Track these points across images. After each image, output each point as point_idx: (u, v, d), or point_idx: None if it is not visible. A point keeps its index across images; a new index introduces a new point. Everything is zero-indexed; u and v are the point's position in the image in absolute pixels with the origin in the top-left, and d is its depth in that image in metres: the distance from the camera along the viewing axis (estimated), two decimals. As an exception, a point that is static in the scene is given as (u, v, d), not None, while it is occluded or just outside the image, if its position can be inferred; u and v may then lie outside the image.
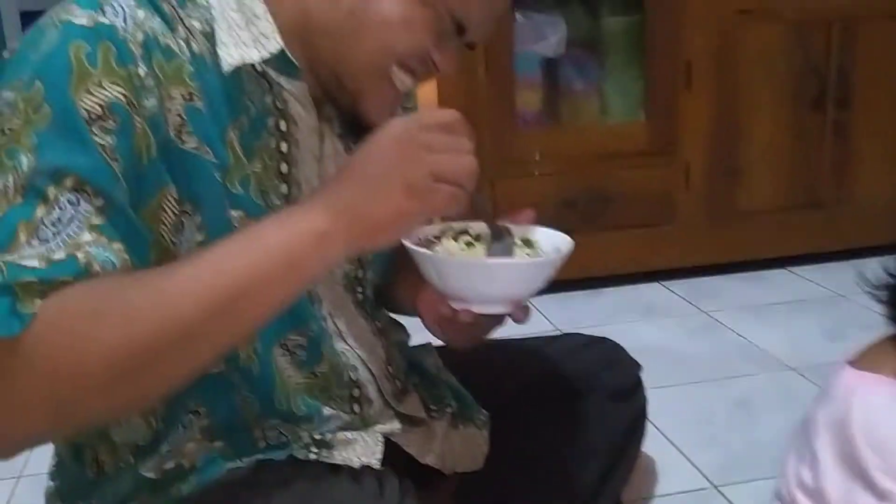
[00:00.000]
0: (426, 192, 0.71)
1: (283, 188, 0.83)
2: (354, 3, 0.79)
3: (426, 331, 0.92)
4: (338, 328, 0.91)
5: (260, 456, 0.85)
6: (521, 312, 0.81)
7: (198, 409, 0.83)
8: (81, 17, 0.71)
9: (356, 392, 0.91)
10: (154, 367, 0.66)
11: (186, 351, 0.68)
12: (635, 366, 1.17)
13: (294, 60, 0.80)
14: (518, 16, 2.25)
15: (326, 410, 0.89)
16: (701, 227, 2.40)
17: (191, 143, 0.75)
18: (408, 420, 0.97)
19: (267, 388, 0.84)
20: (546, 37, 2.31)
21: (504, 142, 2.26)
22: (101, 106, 0.69)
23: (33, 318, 0.62)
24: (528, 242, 0.86)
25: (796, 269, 2.45)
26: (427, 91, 2.64)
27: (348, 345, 0.92)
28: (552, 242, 0.86)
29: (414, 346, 1.11)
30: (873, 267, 2.26)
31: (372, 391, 0.93)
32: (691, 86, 2.31)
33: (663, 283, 2.39)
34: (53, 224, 0.66)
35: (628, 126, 2.37)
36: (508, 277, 0.77)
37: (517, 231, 0.86)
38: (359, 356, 0.92)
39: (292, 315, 0.82)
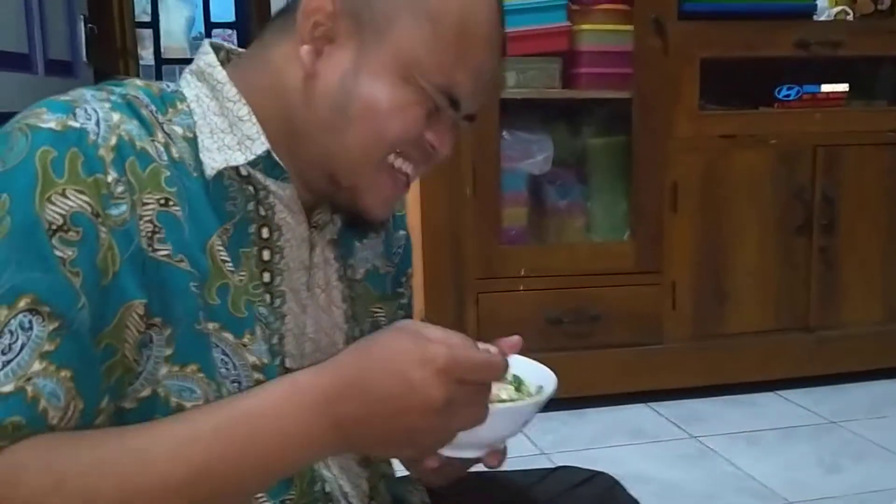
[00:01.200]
0: (428, 447, 0.67)
1: (267, 298, 0.78)
2: (336, 96, 0.76)
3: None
4: None
5: None
6: (494, 458, 0.74)
7: None
8: (50, 122, 0.67)
9: None
10: None
11: None
12: (633, 503, 1.10)
13: (281, 163, 0.77)
14: (505, 134, 2.26)
15: None
16: (688, 349, 2.37)
17: (163, 252, 0.70)
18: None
19: None
20: (533, 155, 2.32)
21: (490, 257, 2.23)
22: (62, 216, 0.65)
23: None
24: (517, 380, 0.79)
25: (786, 394, 2.41)
26: (412, 206, 2.64)
27: (332, 473, 0.85)
28: (537, 379, 0.79)
29: (400, 479, 1.04)
30: (862, 392, 2.23)
31: None
32: (677, 207, 2.31)
33: (651, 404, 2.34)
34: (3, 352, 0.62)
35: (614, 245, 2.37)
36: (487, 422, 0.69)
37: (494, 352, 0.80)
38: (339, 486, 0.86)
39: None
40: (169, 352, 0.70)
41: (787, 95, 2.37)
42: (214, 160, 0.74)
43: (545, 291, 2.29)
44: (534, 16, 2.26)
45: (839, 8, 2.47)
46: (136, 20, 5.13)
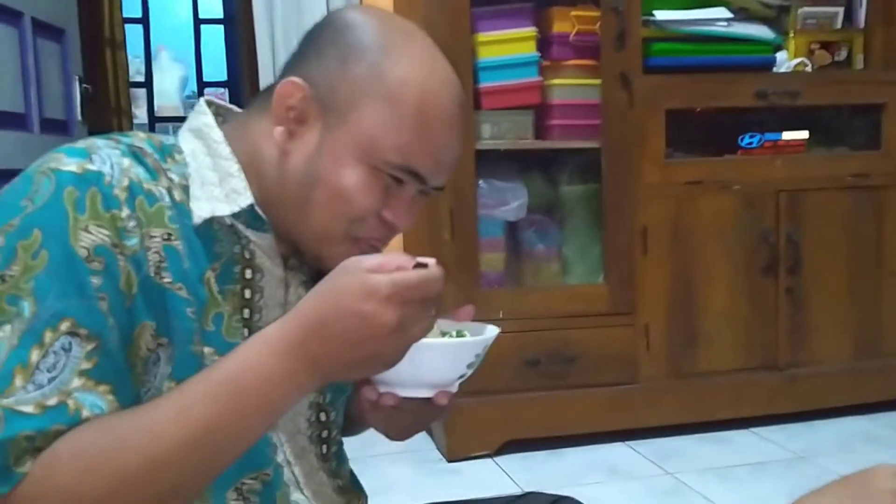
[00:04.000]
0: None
1: (246, 332, 0.86)
2: (302, 176, 0.83)
3: (387, 494, 0.92)
4: (296, 477, 0.90)
5: None
6: (443, 397, 0.81)
7: None
8: (70, 165, 0.77)
9: None
10: None
11: (175, 492, 0.71)
12: (599, 527, 1.16)
13: (262, 216, 0.85)
14: (481, 183, 2.36)
15: None
16: (663, 388, 2.44)
17: (167, 280, 0.79)
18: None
19: None
20: (508, 202, 2.41)
21: (468, 301, 2.29)
22: (87, 249, 0.74)
23: (23, 477, 0.66)
24: (459, 333, 0.86)
25: (758, 430, 2.47)
26: (393, 251, 2.73)
27: (305, 496, 0.91)
28: (480, 331, 0.86)
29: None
30: (832, 429, 2.29)
31: None
32: (647, 251, 2.40)
33: (627, 442, 2.40)
34: (48, 370, 0.70)
35: (588, 288, 2.45)
36: (426, 359, 0.77)
37: (453, 325, 0.87)
38: None
39: (250, 458, 0.82)
40: (170, 369, 0.79)
41: (750, 143, 2.49)
42: (202, 209, 0.82)
43: (523, 333, 2.36)
44: (508, 72, 2.37)
45: (798, 60, 2.60)
46: (131, 80, 5.25)
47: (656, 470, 2.23)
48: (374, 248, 0.87)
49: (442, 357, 0.79)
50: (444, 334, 0.85)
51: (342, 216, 0.83)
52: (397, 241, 2.73)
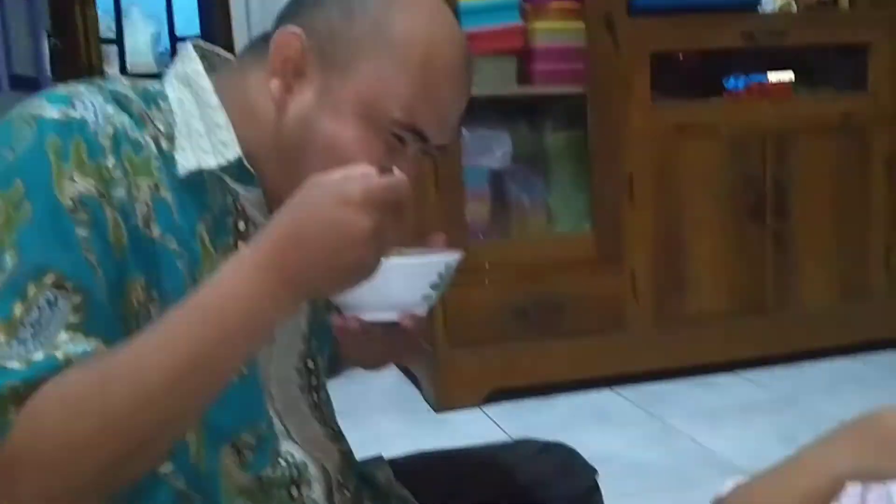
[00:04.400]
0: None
1: None
2: (300, 130, 0.80)
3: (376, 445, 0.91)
4: (286, 428, 0.89)
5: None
6: (409, 320, 0.80)
7: None
8: (53, 112, 0.73)
9: (297, 492, 0.88)
10: (139, 447, 0.68)
11: (164, 425, 0.69)
12: (591, 471, 1.15)
13: (251, 170, 0.82)
14: (465, 131, 2.32)
15: None
16: (650, 334, 2.44)
17: (156, 232, 0.76)
18: (357, 533, 0.94)
19: (213, 488, 0.82)
20: (492, 151, 2.38)
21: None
22: (73, 199, 0.70)
23: (12, 425, 0.64)
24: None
25: (745, 374, 2.49)
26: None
27: (297, 444, 0.90)
28: (444, 255, 0.84)
29: (365, 460, 1.09)
30: (820, 370, 2.31)
31: (318, 492, 0.90)
32: (634, 197, 2.38)
33: (615, 389, 2.40)
34: (32, 325, 0.67)
35: (575, 237, 2.43)
36: (386, 279, 0.75)
37: (422, 251, 0.84)
38: (309, 455, 0.90)
39: (244, 411, 0.81)
40: None
41: (736, 86, 2.46)
42: (188, 160, 0.79)
43: (510, 284, 2.35)
44: (488, 15, 2.32)
45: (784, 0, 2.56)
46: (102, 37, 5.14)
47: (644, 415, 2.24)
48: None
49: (401, 276, 0.78)
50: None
51: None
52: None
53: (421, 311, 0.81)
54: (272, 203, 0.85)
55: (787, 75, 2.50)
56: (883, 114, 2.56)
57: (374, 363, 0.97)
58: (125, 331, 0.74)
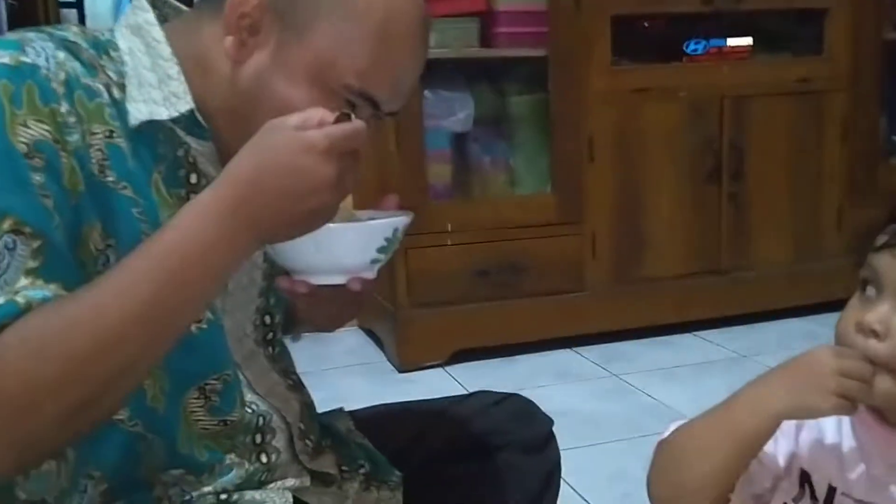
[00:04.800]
0: (331, 214, 0.73)
1: None
2: (252, 88, 0.80)
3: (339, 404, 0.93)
4: (246, 379, 0.91)
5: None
6: (356, 283, 0.81)
7: (93, 472, 0.81)
8: (3, 57, 0.72)
9: (260, 439, 0.90)
10: (101, 391, 0.69)
11: (126, 367, 0.70)
12: (547, 420, 1.18)
13: (203, 122, 0.82)
14: (427, 93, 2.33)
15: (230, 459, 0.87)
16: (609, 294, 2.49)
17: (111, 178, 0.76)
18: (319, 479, 0.96)
19: (171, 430, 0.83)
20: (455, 113, 2.39)
21: (416, 213, 2.29)
22: (27, 144, 0.70)
23: None
24: (371, 219, 0.85)
25: (701, 333, 2.55)
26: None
27: (258, 395, 0.92)
28: (392, 218, 0.84)
29: (326, 412, 1.11)
30: (772, 330, 2.36)
31: (281, 440, 0.92)
32: (594, 160, 2.41)
33: (575, 348, 2.45)
34: None
35: (536, 198, 2.46)
36: (332, 243, 0.77)
37: (373, 214, 0.86)
38: (270, 405, 0.92)
39: (212, 358, 0.83)
40: None
41: (695, 50, 2.49)
42: (140, 111, 0.78)
43: (472, 245, 2.37)
44: (452, -23, 2.32)
45: (743, -35, 2.58)
46: (61, 0, 5.02)
47: (602, 372, 2.29)
48: None
49: (348, 240, 0.79)
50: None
51: None
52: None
53: (369, 274, 0.82)
54: (224, 156, 0.85)
55: (745, 40, 2.53)
56: (838, 78, 2.61)
57: (324, 325, 0.98)
58: (84, 276, 0.74)
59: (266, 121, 0.76)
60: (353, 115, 0.72)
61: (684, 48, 2.49)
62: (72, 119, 0.74)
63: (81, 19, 5.94)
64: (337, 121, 0.71)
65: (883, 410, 0.83)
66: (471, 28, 2.36)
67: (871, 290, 0.81)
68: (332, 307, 0.91)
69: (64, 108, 0.73)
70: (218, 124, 0.82)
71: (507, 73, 2.49)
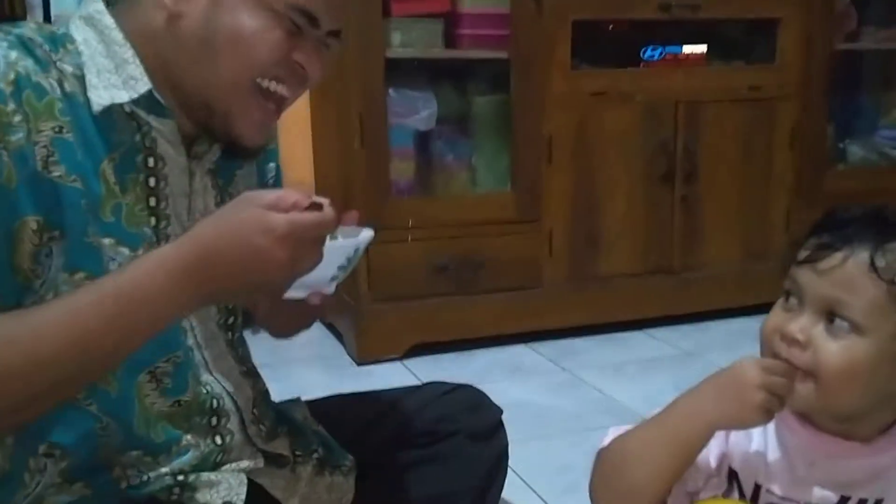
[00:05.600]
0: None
1: (153, 221, 0.88)
2: (201, 31, 0.85)
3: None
4: (205, 360, 0.95)
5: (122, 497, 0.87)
6: (316, 297, 0.87)
7: (53, 451, 0.85)
8: None
9: (216, 421, 0.94)
10: (30, 402, 0.73)
11: (55, 388, 0.74)
12: (496, 409, 1.23)
13: (162, 101, 0.86)
14: (391, 91, 2.37)
15: (186, 440, 0.91)
16: (564, 292, 2.55)
17: (57, 172, 0.79)
18: (272, 461, 1.00)
19: (126, 412, 0.87)
20: (418, 111, 2.44)
21: (379, 210, 2.35)
22: None
23: None
24: (331, 237, 0.87)
25: (652, 331, 2.62)
26: (304, 160, 2.73)
27: (214, 377, 0.95)
28: (355, 235, 0.88)
29: (284, 401, 1.15)
30: (721, 329, 2.42)
31: (234, 423, 0.96)
32: (553, 160, 2.48)
33: (530, 344, 2.51)
34: None
35: (496, 196, 2.51)
36: None
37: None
38: (224, 388, 0.96)
39: (162, 343, 0.86)
40: (62, 260, 0.80)
41: (652, 56, 2.56)
42: (101, 97, 0.83)
43: (432, 241, 2.42)
44: (417, -23, 2.36)
45: (701, -26, 2.65)
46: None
47: (555, 368, 2.36)
48: (280, 103, 0.90)
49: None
50: None
51: (248, 64, 0.85)
52: (307, 150, 2.73)
53: (328, 289, 0.87)
54: (184, 132, 0.89)
55: (700, 48, 2.61)
56: (789, 86, 2.70)
57: (281, 332, 1.04)
58: (23, 270, 0.78)
59: (224, 57, 0.84)
60: (325, 206, 0.76)
61: (641, 54, 2.55)
62: (17, 118, 0.77)
63: (46, 5, 5.86)
64: (308, 208, 0.75)
65: (807, 413, 0.89)
66: (435, 29, 2.40)
67: (793, 301, 0.87)
68: (290, 318, 0.96)
69: (10, 107, 0.77)
70: (181, 89, 0.86)
71: (470, 74, 2.54)
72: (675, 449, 0.87)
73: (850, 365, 0.82)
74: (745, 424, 0.87)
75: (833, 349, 0.82)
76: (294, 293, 0.85)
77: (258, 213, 0.75)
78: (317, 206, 0.76)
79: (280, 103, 0.91)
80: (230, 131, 0.89)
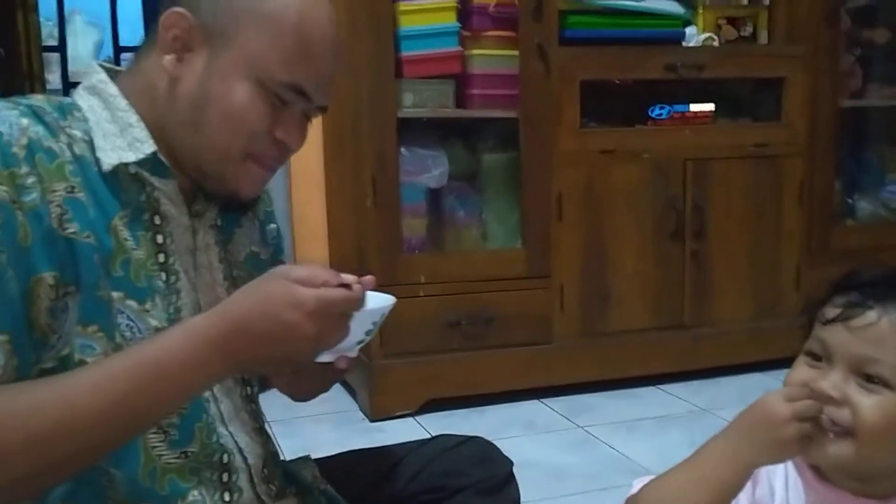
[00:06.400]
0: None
1: (163, 276, 0.91)
2: (195, 97, 0.89)
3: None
4: (220, 412, 0.96)
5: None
6: (342, 361, 0.88)
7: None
8: None
9: (226, 478, 0.95)
10: (58, 466, 0.75)
11: (80, 456, 0.76)
12: (506, 461, 1.21)
13: (165, 161, 0.90)
14: (403, 150, 2.42)
15: (193, 495, 0.91)
16: (576, 347, 2.56)
17: (71, 229, 0.82)
18: (282, 521, 1.01)
19: (130, 464, 0.88)
20: (430, 170, 2.48)
21: (391, 266, 2.37)
22: None
23: None
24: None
25: (664, 387, 2.62)
26: (318, 217, 2.77)
27: (229, 431, 0.96)
28: (378, 301, 0.90)
29: (293, 460, 1.15)
30: (733, 384, 2.41)
31: (244, 480, 0.96)
32: (562, 217, 2.51)
33: (543, 399, 2.51)
34: None
35: (507, 252, 2.54)
36: None
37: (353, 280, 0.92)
38: (237, 443, 0.97)
39: None
40: (77, 314, 0.83)
41: (660, 114, 2.60)
42: (109, 157, 0.87)
43: (444, 297, 2.44)
44: (428, 41, 2.42)
45: (707, 34, 2.72)
46: (44, 44, 5.10)
47: (568, 424, 2.35)
48: (271, 168, 0.93)
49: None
50: None
51: (237, 134, 0.89)
52: (321, 207, 2.77)
53: (354, 353, 0.89)
54: (186, 193, 0.93)
55: (707, 106, 2.65)
56: (795, 143, 2.73)
57: (302, 395, 1.05)
58: (39, 325, 0.80)
59: (214, 124, 0.88)
60: (353, 286, 0.80)
61: (649, 112, 2.60)
62: (30, 179, 0.80)
63: (63, 62, 6.01)
64: (339, 286, 0.79)
65: (825, 470, 0.88)
66: (446, 89, 2.46)
67: (821, 362, 0.86)
68: (311, 381, 0.98)
69: (24, 169, 0.80)
70: (180, 151, 0.90)
71: (481, 133, 2.59)
72: (713, 493, 0.86)
73: (887, 420, 0.82)
74: (784, 459, 0.87)
75: (870, 404, 0.83)
76: (321, 358, 0.87)
77: (288, 287, 0.78)
78: (345, 286, 0.80)
79: (271, 166, 0.94)
80: (224, 192, 0.94)
